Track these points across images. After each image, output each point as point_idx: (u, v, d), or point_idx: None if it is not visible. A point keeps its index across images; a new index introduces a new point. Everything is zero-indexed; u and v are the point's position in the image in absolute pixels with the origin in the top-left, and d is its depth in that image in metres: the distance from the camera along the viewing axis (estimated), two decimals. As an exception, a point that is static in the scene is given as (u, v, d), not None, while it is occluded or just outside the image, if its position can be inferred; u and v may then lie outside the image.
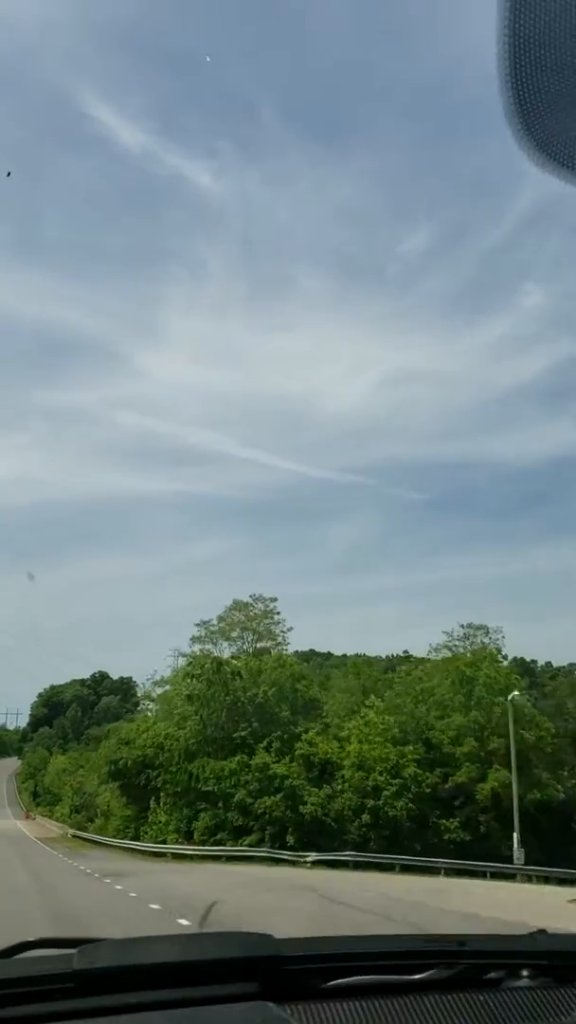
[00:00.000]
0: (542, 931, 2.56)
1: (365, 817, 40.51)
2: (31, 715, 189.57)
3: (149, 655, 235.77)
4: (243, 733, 46.16)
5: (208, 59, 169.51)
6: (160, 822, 47.36)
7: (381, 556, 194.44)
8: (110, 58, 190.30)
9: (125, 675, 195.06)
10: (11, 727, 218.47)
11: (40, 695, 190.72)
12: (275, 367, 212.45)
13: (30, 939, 2.25)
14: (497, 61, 1.19)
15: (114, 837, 52.49)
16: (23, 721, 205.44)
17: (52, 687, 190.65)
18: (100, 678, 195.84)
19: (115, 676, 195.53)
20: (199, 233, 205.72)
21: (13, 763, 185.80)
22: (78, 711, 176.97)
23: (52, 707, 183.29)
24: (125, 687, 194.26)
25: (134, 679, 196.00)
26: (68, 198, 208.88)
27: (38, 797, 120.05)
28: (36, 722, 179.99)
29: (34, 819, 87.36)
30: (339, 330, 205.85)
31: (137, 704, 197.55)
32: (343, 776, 42.11)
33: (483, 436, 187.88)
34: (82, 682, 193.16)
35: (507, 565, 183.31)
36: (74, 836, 60.69)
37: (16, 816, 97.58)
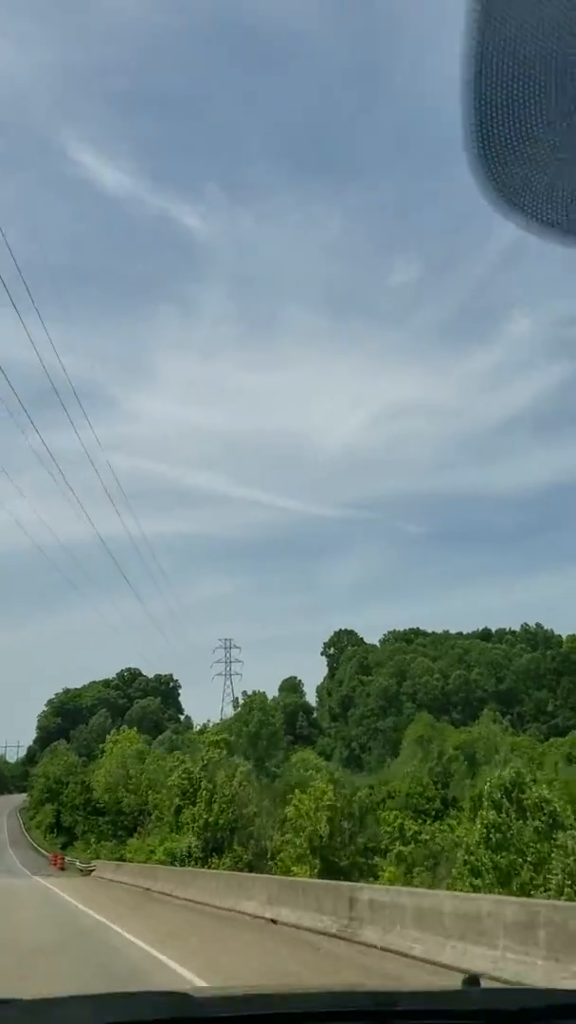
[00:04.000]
0: (474, 980, 2.41)
1: None
2: (38, 728, 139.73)
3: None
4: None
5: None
6: None
7: (384, 590, 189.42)
8: (94, 103, 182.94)
9: (163, 672, 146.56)
10: (12, 760, 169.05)
11: (50, 702, 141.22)
12: (270, 405, 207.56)
13: None
14: (462, 112, 1.19)
15: None
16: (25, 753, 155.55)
17: (66, 691, 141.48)
18: (130, 677, 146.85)
19: (150, 674, 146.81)
20: (189, 273, 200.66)
21: (15, 799, 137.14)
22: (106, 718, 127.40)
23: (68, 715, 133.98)
24: (165, 688, 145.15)
25: (175, 676, 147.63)
26: (59, 243, 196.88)
27: (63, 831, 70.48)
28: (46, 737, 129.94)
29: (86, 872, 37.24)
30: (333, 366, 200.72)
31: (182, 711, 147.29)
32: None
33: (481, 466, 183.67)
34: (106, 683, 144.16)
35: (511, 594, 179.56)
36: None
37: (36, 868, 48.17)
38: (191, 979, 10.52)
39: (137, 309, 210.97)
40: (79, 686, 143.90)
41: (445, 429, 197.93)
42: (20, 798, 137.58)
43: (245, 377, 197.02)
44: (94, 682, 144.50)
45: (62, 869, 42.46)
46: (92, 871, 35.60)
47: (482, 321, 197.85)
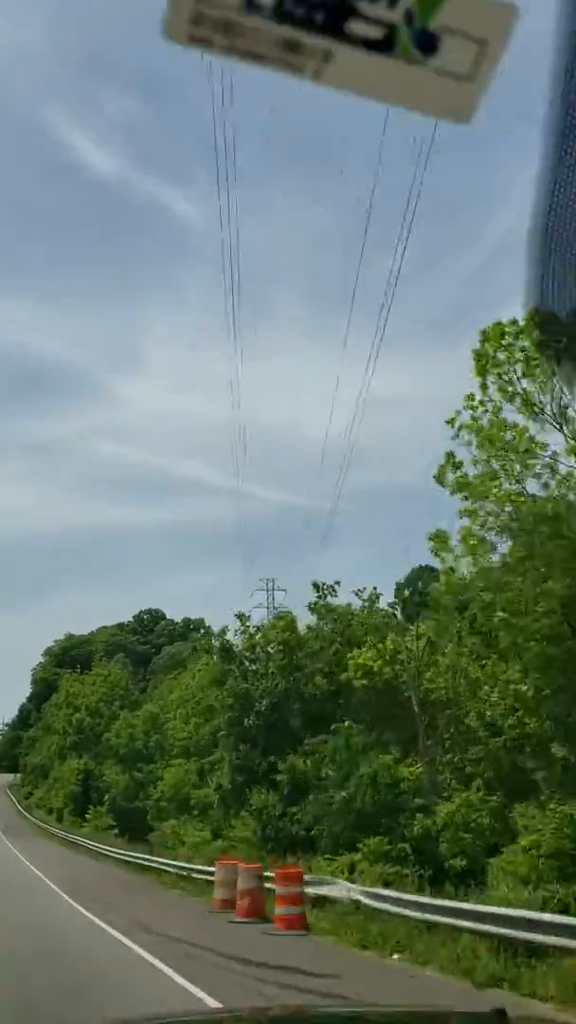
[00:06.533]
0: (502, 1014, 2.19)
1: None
2: (33, 683, 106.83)
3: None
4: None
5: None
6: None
7: (366, 583, 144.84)
8: (84, 83, 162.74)
9: (193, 616, 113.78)
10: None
11: (48, 651, 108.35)
12: (256, 395, 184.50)
13: None
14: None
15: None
16: (16, 715, 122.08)
17: (69, 637, 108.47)
18: (151, 620, 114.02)
19: (176, 617, 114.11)
20: (177, 260, 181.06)
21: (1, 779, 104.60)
22: (125, 664, 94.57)
23: (72, 664, 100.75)
24: (196, 633, 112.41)
25: (207, 622, 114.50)
26: (45, 226, 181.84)
27: (112, 810, 38.39)
28: (44, 692, 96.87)
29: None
30: (317, 357, 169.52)
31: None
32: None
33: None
34: (120, 626, 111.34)
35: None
36: None
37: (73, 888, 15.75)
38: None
39: (126, 296, 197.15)
40: (85, 633, 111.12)
41: (430, 422, 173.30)
42: (6, 778, 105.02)
43: (232, 366, 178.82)
44: (104, 627, 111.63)
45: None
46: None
47: (473, 313, 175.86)
